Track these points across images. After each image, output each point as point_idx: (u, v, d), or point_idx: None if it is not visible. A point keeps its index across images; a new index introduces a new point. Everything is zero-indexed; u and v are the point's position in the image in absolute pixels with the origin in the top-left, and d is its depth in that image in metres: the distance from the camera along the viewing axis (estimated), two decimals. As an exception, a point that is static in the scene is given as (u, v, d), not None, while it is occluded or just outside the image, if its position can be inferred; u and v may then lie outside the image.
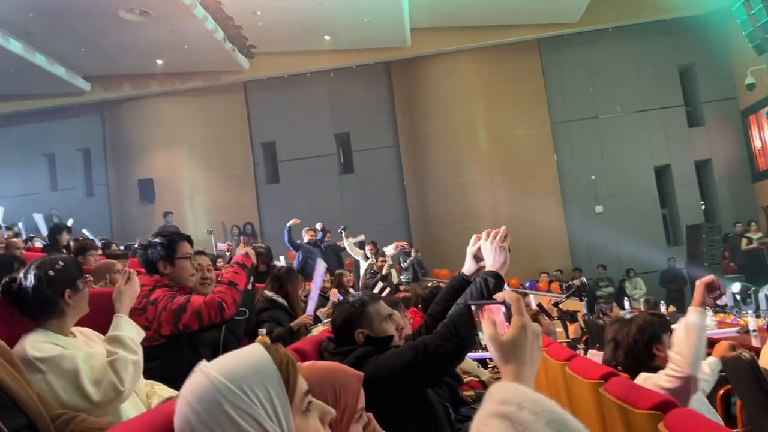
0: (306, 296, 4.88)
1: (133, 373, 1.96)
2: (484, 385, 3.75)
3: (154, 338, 2.47)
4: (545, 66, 13.16)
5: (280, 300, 3.92)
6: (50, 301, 1.94)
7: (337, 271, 6.62)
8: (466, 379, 3.90)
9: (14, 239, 5.16)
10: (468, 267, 2.06)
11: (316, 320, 4.54)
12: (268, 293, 3.89)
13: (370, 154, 13.50)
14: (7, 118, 13.42)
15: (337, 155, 13.88)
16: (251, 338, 3.02)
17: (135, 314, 2.33)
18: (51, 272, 1.96)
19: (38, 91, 12.59)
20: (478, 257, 2.02)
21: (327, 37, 11.91)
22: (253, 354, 1.00)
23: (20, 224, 9.05)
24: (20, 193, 13.32)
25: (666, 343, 2.50)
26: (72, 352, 1.91)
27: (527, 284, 10.90)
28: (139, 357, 2.02)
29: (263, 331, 2.82)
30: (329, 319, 4.27)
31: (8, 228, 7.97)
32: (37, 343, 1.88)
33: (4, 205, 8.98)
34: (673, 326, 2.52)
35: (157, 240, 2.70)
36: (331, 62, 12.80)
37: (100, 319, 2.17)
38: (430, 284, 8.29)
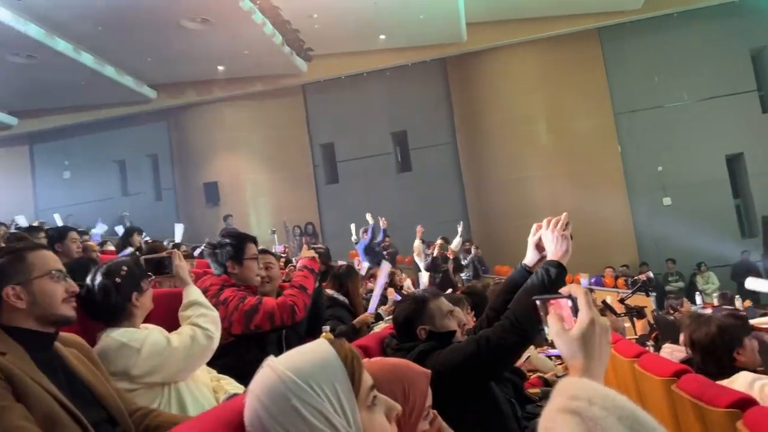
0: (368, 294, 4.93)
1: (214, 328, 2.16)
2: (546, 383, 3.68)
3: (223, 337, 2.55)
4: (606, 55, 12.76)
5: (341, 298, 3.97)
6: (120, 307, 2.04)
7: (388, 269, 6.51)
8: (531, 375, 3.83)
9: (90, 243, 5.42)
10: (530, 257, 2.02)
11: (378, 318, 4.57)
12: (329, 292, 3.94)
13: (428, 151, 13.47)
14: (80, 127, 14.11)
15: (394, 154, 13.91)
16: (312, 336, 3.07)
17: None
18: (117, 279, 2.06)
19: (108, 100, 13.18)
20: (540, 247, 1.97)
21: (382, 37, 11.96)
22: (319, 349, 1.01)
23: (96, 229, 9.49)
24: (94, 199, 13.99)
25: (748, 347, 2.35)
26: (155, 328, 2.09)
27: (592, 280, 10.62)
28: (217, 314, 2.23)
29: (327, 328, 2.86)
30: (390, 317, 4.29)
31: (84, 232, 8.36)
32: (120, 333, 1.99)
33: (82, 210, 9.48)
34: (752, 322, 2.39)
35: (227, 241, 2.79)
36: (387, 61, 12.84)
37: (169, 317, 2.27)
38: (491, 282, 8.23)
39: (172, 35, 10.61)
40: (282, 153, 13.78)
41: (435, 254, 8.88)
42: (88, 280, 2.08)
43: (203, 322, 2.15)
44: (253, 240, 2.88)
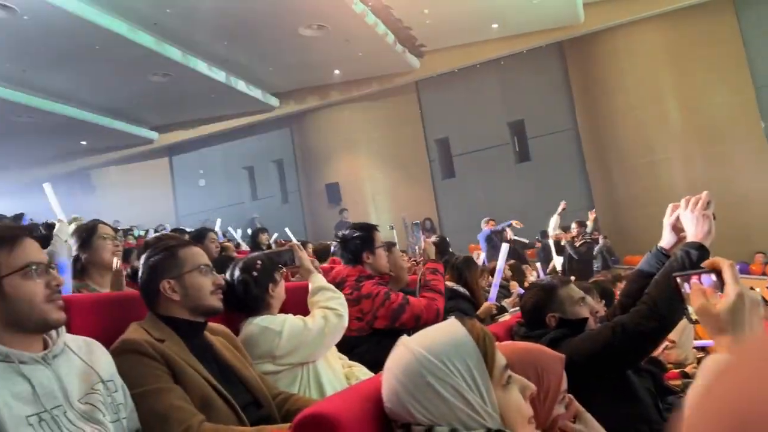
0: (489, 286, 4.87)
1: (344, 307, 2.28)
2: (685, 376, 3.45)
3: (364, 329, 2.67)
4: (743, 25, 11.63)
5: (461, 289, 3.94)
6: (259, 298, 2.20)
7: (511, 262, 6.30)
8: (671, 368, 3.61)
9: (227, 243, 5.84)
10: (666, 239, 1.89)
11: (501, 310, 4.50)
12: (449, 284, 3.93)
13: (547, 139, 13.05)
14: (212, 138, 15.15)
15: (512, 144, 13.62)
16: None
17: (349, 305, 2.56)
18: (254, 273, 2.21)
19: (236, 111, 14.05)
20: (677, 228, 1.85)
21: (495, 25, 11.75)
22: (452, 329, 1.03)
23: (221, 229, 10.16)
24: (227, 204, 14.98)
25: None
26: (293, 317, 2.22)
27: (737, 267, 9.77)
28: (342, 296, 2.36)
29: (451, 317, 2.89)
30: (515, 308, 4.21)
31: (223, 235, 8.99)
32: (261, 319, 2.15)
33: (216, 215, 10.21)
34: None
35: (357, 232, 2.89)
36: (500, 50, 12.58)
37: (300, 308, 2.40)
38: (622, 272, 7.83)
39: (290, 44, 11.10)
40: (398, 150, 13.96)
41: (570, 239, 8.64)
42: (228, 275, 2.25)
43: (333, 303, 2.28)
44: (377, 229, 2.99)
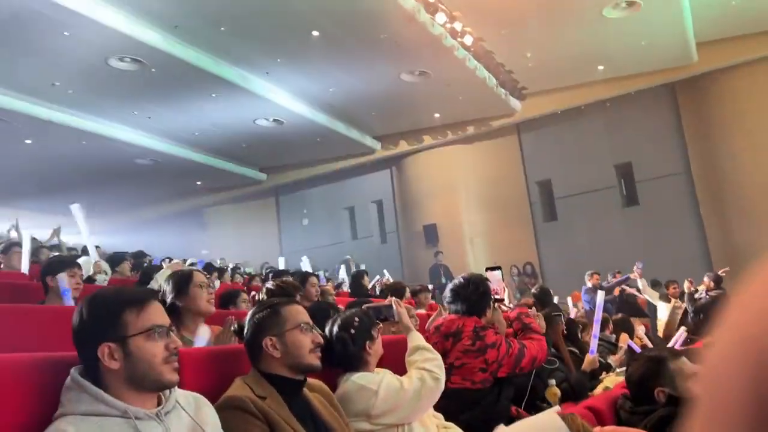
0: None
1: (441, 370, 2.28)
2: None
3: (488, 380, 2.66)
4: None
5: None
6: (357, 356, 2.23)
7: (618, 317, 5.91)
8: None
9: (326, 286, 5.95)
10: None
11: (607, 367, 4.28)
12: None
13: (657, 183, 12.43)
14: (316, 179, 15.72)
15: (618, 187, 13.09)
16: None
17: (471, 356, 2.58)
18: (352, 330, 2.25)
19: (338, 153, 14.54)
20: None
21: (600, 67, 11.49)
22: (551, 423, 1.00)
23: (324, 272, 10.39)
24: (328, 243, 15.38)
25: None
26: (388, 373, 2.24)
27: None
28: (440, 358, 2.35)
29: (552, 382, 2.78)
30: (622, 368, 3.98)
31: (327, 278, 9.18)
32: (358, 377, 2.18)
33: (317, 254, 10.49)
34: None
35: (480, 288, 2.94)
36: (606, 91, 12.26)
37: (397, 363, 2.41)
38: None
39: (392, 89, 11.40)
40: (497, 192, 13.80)
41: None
42: (327, 330, 2.30)
43: (430, 365, 2.27)
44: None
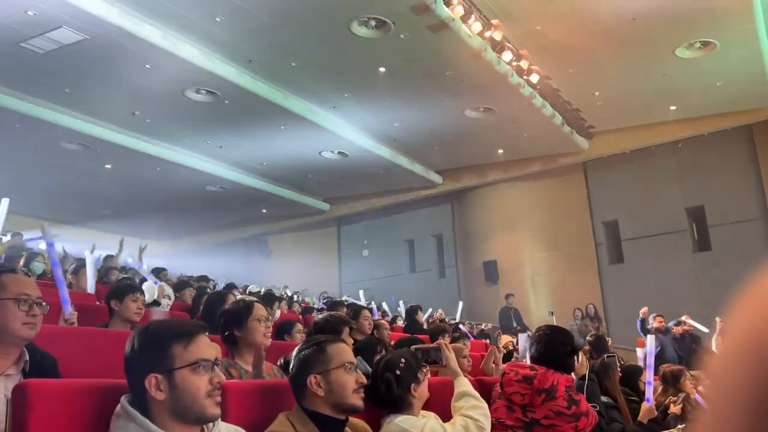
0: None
1: (486, 419, 2.26)
2: None
3: None
4: None
5: (603, 398, 3.62)
6: (401, 398, 2.20)
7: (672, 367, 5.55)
8: None
9: (382, 321, 5.93)
10: None
11: (666, 414, 4.07)
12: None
13: (731, 228, 11.85)
14: (377, 211, 15.86)
15: (689, 231, 12.55)
16: None
17: (564, 420, 2.53)
18: (397, 371, 2.23)
19: (400, 186, 14.65)
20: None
21: (673, 107, 11.18)
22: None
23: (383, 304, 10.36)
24: (386, 275, 15.40)
25: None
26: (432, 419, 2.22)
27: None
28: (486, 407, 2.34)
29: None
30: (681, 425, 3.78)
31: (380, 310, 9.14)
32: (402, 420, 2.15)
33: (375, 285, 10.51)
34: None
35: (569, 347, 2.81)
36: (678, 132, 11.89)
37: (442, 405, 2.37)
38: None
39: (457, 125, 11.45)
40: (561, 231, 13.50)
41: None
42: (373, 369, 2.30)
43: (475, 413, 2.24)
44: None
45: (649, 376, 3.59)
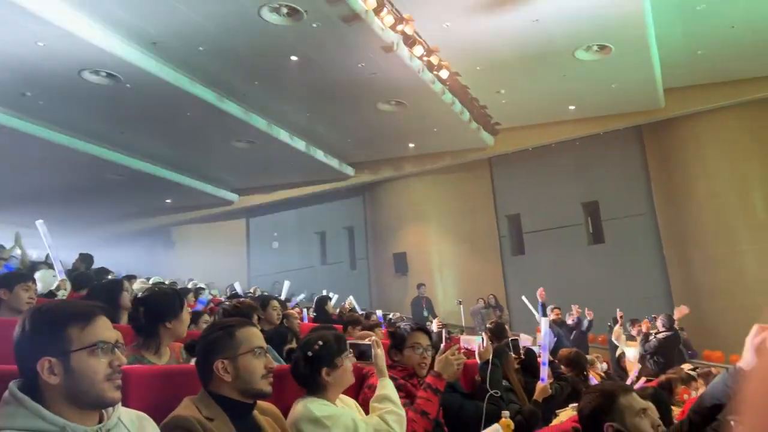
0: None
1: (401, 428, 2.20)
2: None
3: None
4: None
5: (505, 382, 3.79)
6: (310, 379, 2.19)
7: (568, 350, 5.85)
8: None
9: (291, 311, 5.88)
10: (747, 361, 1.71)
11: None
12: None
13: (622, 222, 12.70)
14: (288, 202, 15.68)
15: (585, 225, 13.33)
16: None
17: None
18: (310, 353, 2.21)
19: (312, 178, 14.56)
20: (761, 351, 1.66)
21: (572, 107, 11.78)
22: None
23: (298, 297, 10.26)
24: (297, 267, 15.27)
25: None
26: (348, 410, 2.17)
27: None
28: (404, 414, 2.27)
29: (506, 414, 2.78)
30: (575, 404, 4.01)
31: (287, 300, 9.06)
32: (314, 404, 2.12)
33: (286, 278, 10.35)
34: None
35: (397, 332, 3.01)
36: (576, 131, 12.56)
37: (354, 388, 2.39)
38: (698, 369, 7.33)
39: (369, 118, 11.51)
40: (468, 224, 13.94)
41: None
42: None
43: (391, 420, 2.19)
44: (422, 330, 3.07)
45: (543, 356, 3.76)
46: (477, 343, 3.41)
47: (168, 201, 15.63)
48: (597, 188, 12.97)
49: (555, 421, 3.45)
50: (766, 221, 11.16)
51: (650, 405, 2.07)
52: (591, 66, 10.01)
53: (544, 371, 3.70)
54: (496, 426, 2.11)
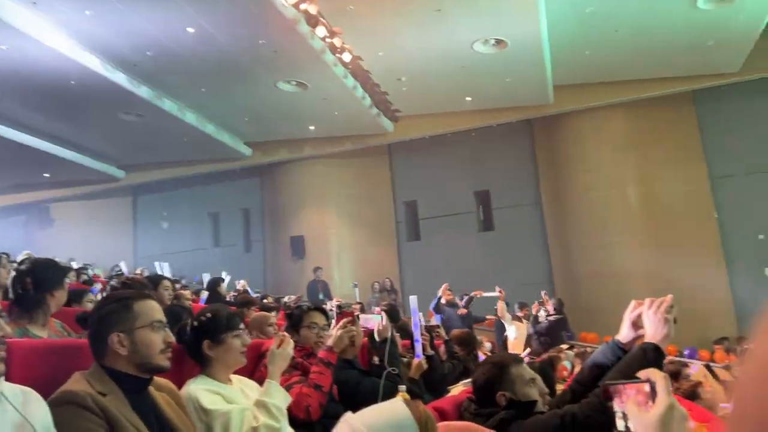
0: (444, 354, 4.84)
1: None
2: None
3: None
4: (701, 118, 12.32)
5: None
6: (194, 349, 2.15)
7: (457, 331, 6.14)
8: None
9: (183, 291, 5.70)
10: (624, 334, 1.90)
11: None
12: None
13: (511, 211, 13.35)
14: (179, 180, 15.05)
15: (476, 213, 13.88)
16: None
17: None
18: (196, 322, 2.17)
19: (207, 157, 14.04)
20: (636, 325, 1.87)
21: (468, 98, 12.16)
22: (396, 409, 1.04)
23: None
24: (188, 249, 14.74)
25: None
26: (230, 408, 2.04)
27: (686, 352, 9.99)
28: (281, 425, 2.10)
29: (402, 388, 2.87)
30: (467, 380, 4.19)
31: (176, 281, 8.76)
32: (202, 391, 2.05)
33: (176, 260, 10.02)
34: None
35: (295, 312, 3.06)
36: (472, 122, 12.98)
37: (247, 366, 2.36)
38: (575, 348, 7.90)
39: (269, 97, 11.27)
40: (366, 209, 14.08)
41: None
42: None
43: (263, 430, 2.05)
44: (319, 309, 3.13)
45: (416, 334, 3.90)
46: (376, 321, 3.48)
47: (46, 175, 14.52)
48: (489, 178, 13.52)
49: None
50: (639, 214, 12.13)
51: (538, 376, 2.20)
52: (488, 59, 10.36)
53: (419, 348, 3.85)
54: (398, 397, 2.17)
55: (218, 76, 10.45)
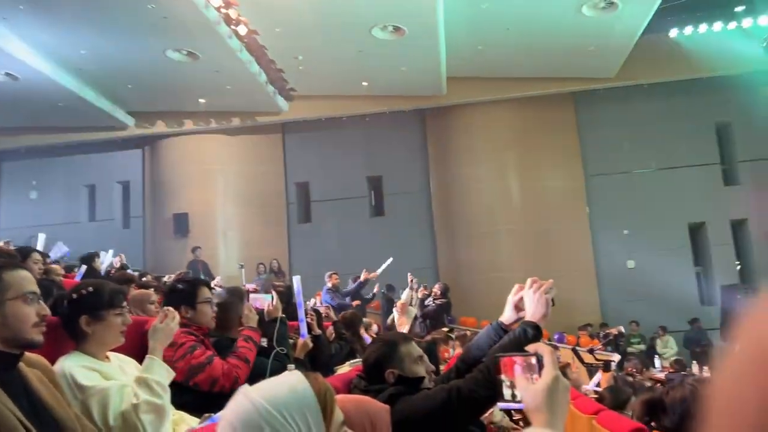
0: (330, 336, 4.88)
1: (155, 418, 1.97)
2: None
3: None
4: (580, 119, 13.23)
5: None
6: (69, 324, 2.03)
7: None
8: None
9: (54, 266, 5.32)
10: (507, 316, 2.05)
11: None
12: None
13: (402, 198, 13.61)
14: (53, 148, 13.92)
15: (368, 198, 14.02)
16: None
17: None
18: (74, 295, 2.05)
19: (84, 124, 13.06)
20: (518, 307, 2.02)
21: (365, 83, 12.20)
22: (294, 381, 1.04)
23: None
24: (60, 222, 13.69)
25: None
26: (108, 384, 1.97)
27: (555, 337, 10.72)
28: (164, 401, 2.03)
29: (292, 367, 2.86)
30: (353, 361, 4.25)
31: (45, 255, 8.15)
32: (77, 368, 1.96)
33: (46, 233, 9.26)
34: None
35: (180, 286, 2.95)
36: (366, 107, 13.06)
37: (129, 345, 2.25)
38: (455, 332, 8.25)
39: (155, 64, 10.67)
40: (256, 189, 13.77)
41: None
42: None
43: (143, 410, 1.95)
44: (206, 284, 3.04)
45: (300, 314, 3.92)
46: (267, 301, 3.43)
47: None
48: (381, 164, 13.68)
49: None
50: (520, 206, 12.81)
51: (425, 355, 2.28)
52: (385, 46, 10.45)
53: (303, 327, 3.86)
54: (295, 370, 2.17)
55: (101, 40, 9.75)
